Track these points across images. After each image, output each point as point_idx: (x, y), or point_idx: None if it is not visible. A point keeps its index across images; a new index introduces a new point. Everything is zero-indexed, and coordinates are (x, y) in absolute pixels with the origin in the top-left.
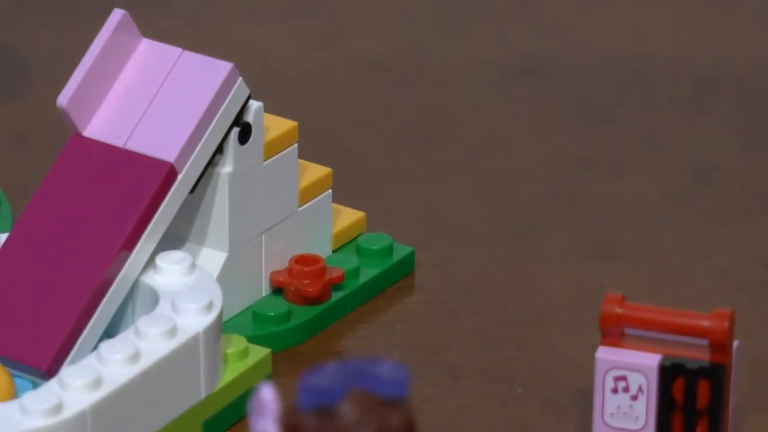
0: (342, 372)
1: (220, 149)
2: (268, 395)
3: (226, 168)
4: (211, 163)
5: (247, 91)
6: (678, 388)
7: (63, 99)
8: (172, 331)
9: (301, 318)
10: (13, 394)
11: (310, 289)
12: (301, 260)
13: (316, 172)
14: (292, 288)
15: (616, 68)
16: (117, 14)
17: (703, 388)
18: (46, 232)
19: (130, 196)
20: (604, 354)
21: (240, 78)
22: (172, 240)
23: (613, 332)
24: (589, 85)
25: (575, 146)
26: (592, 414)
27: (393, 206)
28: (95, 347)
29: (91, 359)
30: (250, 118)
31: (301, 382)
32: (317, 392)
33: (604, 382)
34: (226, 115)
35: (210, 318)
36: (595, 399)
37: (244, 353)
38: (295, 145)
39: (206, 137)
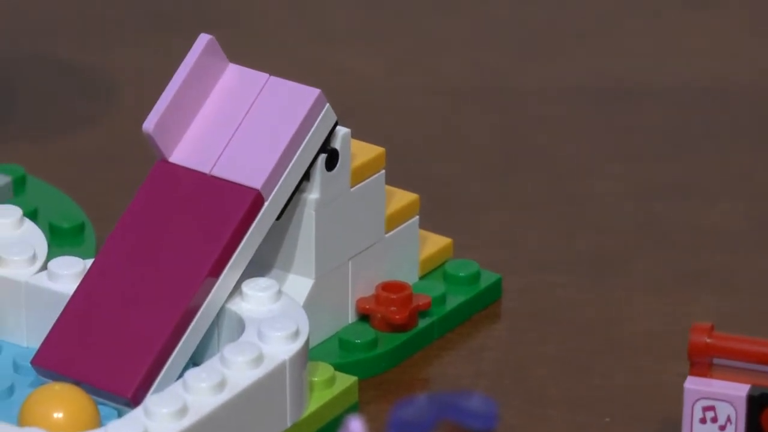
0: (431, 404)
1: (306, 176)
2: (356, 427)
3: (313, 194)
4: (298, 189)
5: (334, 118)
6: (766, 418)
7: (149, 124)
8: (258, 359)
9: (387, 345)
10: (98, 423)
11: (397, 316)
12: (388, 287)
13: (403, 198)
14: (379, 315)
15: (703, 93)
16: (203, 39)
17: None
18: (132, 259)
19: (216, 223)
20: (693, 384)
21: (327, 104)
22: (259, 267)
23: (702, 362)
24: (675, 110)
25: (661, 172)
26: None
27: (480, 232)
28: (180, 375)
29: (176, 387)
30: (337, 144)
31: (390, 415)
32: (406, 425)
33: (692, 412)
34: (313, 141)
35: (296, 346)
36: (684, 429)
37: (331, 381)
38: (383, 171)
39: (293, 164)
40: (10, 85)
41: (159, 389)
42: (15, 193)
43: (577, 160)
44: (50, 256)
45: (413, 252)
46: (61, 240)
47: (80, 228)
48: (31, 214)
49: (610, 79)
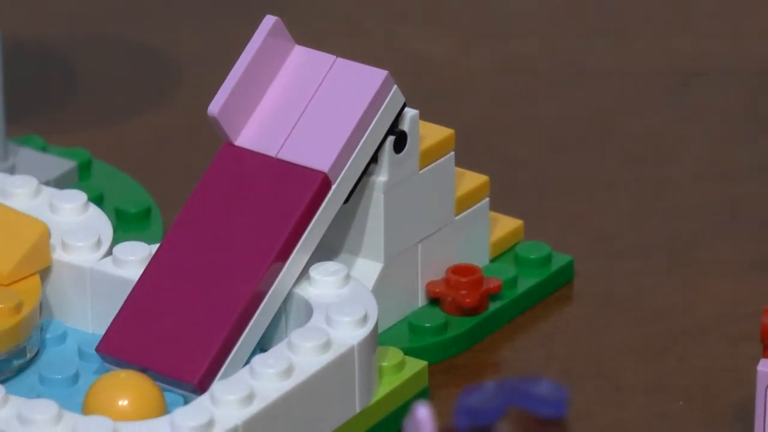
0: (499, 391)
1: (375, 158)
2: (424, 414)
3: (381, 177)
4: (366, 172)
5: (402, 99)
6: None
7: (214, 107)
8: (327, 345)
9: (457, 329)
10: (164, 410)
11: (468, 300)
12: (458, 270)
13: (473, 180)
14: (449, 298)
15: None
16: (269, 20)
17: None
18: (198, 243)
19: (283, 207)
20: (766, 367)
21: (395, 85)
22: (326, 251)
23: None
24: (752, 90)
25: (738, 153)
26: (754, 427)
27: (551, 214)
28: (247, 361)
29: (243, 374)
30: (405, 126)
31: (457, 402)
32: (474, 412)
33: (765, 394)
34: (381, 123)
35: (365, 330)
36: (757, 412)
37: (400, 366)
38: (452, 153)
39: (361, 146)
40: (76, 69)
41: (225, 376)
42: (80, 178)
43: (653, 142)
44: (116, 241)
45: (483, 234)
46: (127, 225)
47: (146, 212)
48: (97, 199)
49: (687, 59)
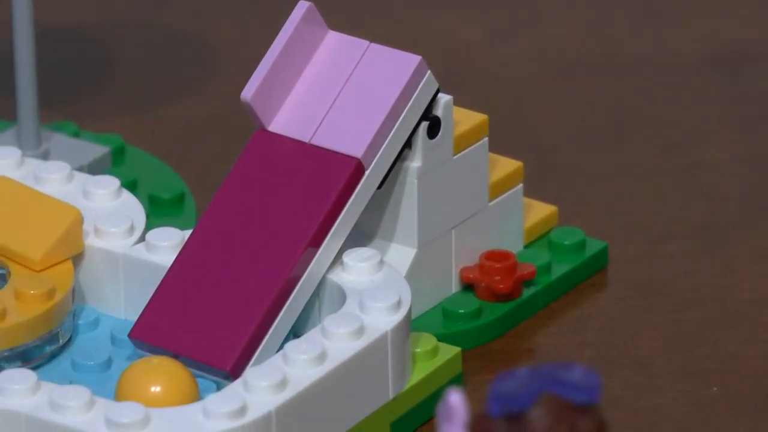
0: (532, 377)
1: (408, 144)
2: (456, 401)
3: (415, 163)
4: (400, 158)
5: (435, 85)
6: None
7: (247, 93)
8: (360, 331)
9: (491, 315)
10: (196, 397)
11: (501, 286)
12: (492, 256)
13: (507, 165)
14: (483, 284)
15: None
16: (302, 6)
17: None
18: (231, 229)
19: (316, 192)
20: None
21: (428, 71)
22: (360, 236)
23: None
24: None
25: None
26: None
27: (585, 200)
28: (280, 347)
29: (276, 360)
30: (439, 111)
31: (490, 388)
32: (507, 398)
33: None
34: (415, 109)
35: (398, 316)
36: None
37: (434, 352)
38: (486, 138)
39: (394, 132)
40: (109, 55)
41: (258, 362)
42: (114, 164)
43: (688, 126)
44: (150, 226)
45: (517, 220)
46: (160, 210)
47: (180, 198)
48: (131, 185)
49: (722, 43)
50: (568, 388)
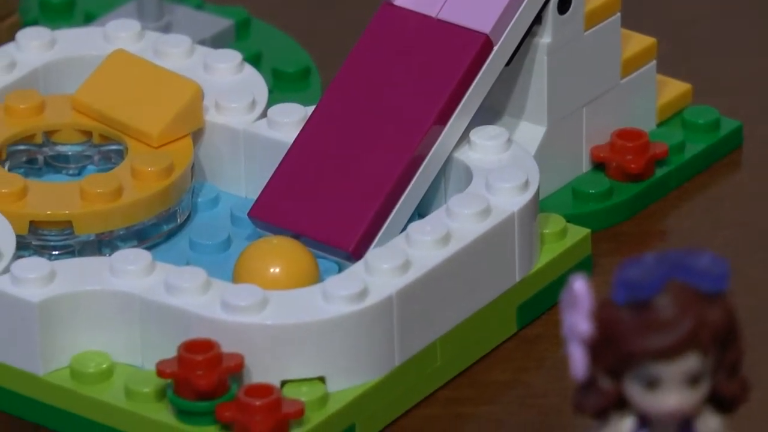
0: (659, 264)
1: (538, 19)
2: (581, 288)
3: (544, 39)
4: (529, 33)
5: None
6: None
7: None
8: (486, 211)
9: (622, 195)
10: (317, 278)
11: (633, 165)
12: (624, 135)
13: (640, 42)
14: (614, 164)
15: None
16: None
17: None
18: (355, 106)
19: (443, 68)
20: None
21: None
22: (488, 114)
23: None
24: None
25: None
26: None
27: (721, 78)
28: (404, 228)
29: (399, 241)
30: None
31: (616, 274)
32: (633, 285)
33: None
34: None
35: (526, 197)
36: None
37: (562, 233)
38: (618, 14)
39: (523, 7)
40: None
41: (381, 243)
42: (237, 37)
43: None
44: (273, 102)
45: (650, 98)
46: (284, 85)
47: (305, 72)
48: (254, 59)
49: None
50: (697, 275)
